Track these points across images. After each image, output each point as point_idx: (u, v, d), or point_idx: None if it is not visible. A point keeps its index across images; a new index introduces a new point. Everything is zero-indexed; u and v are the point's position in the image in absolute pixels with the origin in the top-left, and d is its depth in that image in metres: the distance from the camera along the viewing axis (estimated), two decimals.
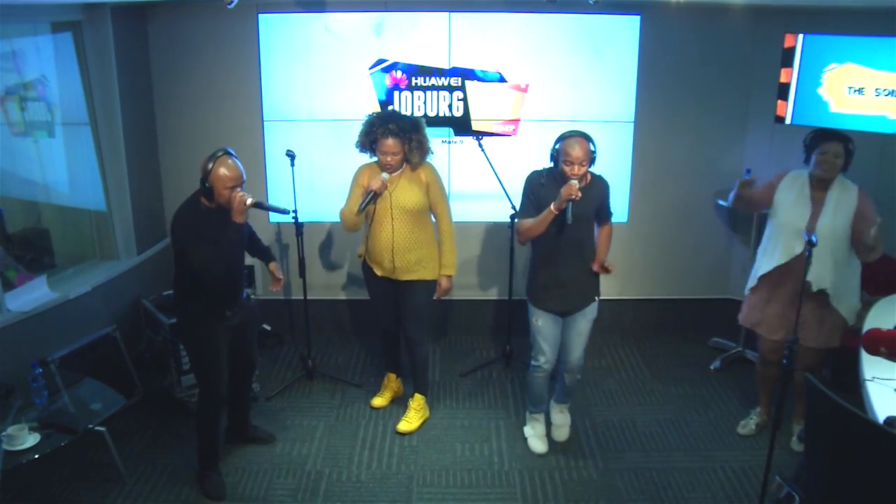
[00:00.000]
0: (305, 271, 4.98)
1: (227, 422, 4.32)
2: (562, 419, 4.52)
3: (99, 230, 5.06)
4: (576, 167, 3.79)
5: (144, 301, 4.91)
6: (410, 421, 4.55)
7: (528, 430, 4.46)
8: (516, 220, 4.13)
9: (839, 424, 2.60)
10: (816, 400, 2.69)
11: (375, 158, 4.28)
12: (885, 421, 2.75)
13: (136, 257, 5.10)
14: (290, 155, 4.77)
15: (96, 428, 3.82)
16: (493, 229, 5.60)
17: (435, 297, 4.53)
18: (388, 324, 4.64)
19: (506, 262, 5.29)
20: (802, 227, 3.92)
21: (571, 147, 3.79)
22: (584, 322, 4.15)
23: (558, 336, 4.18)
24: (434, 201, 4.38)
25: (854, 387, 3.23)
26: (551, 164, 3.98)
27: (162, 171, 5.46)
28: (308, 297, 5.13)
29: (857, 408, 2.55)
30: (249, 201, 3.59)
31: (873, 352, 3.27)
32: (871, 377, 3.12)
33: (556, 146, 3.90)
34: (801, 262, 3.72)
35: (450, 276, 4.51)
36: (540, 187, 3.97)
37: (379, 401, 4.82)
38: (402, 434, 4.48)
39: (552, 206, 3.78)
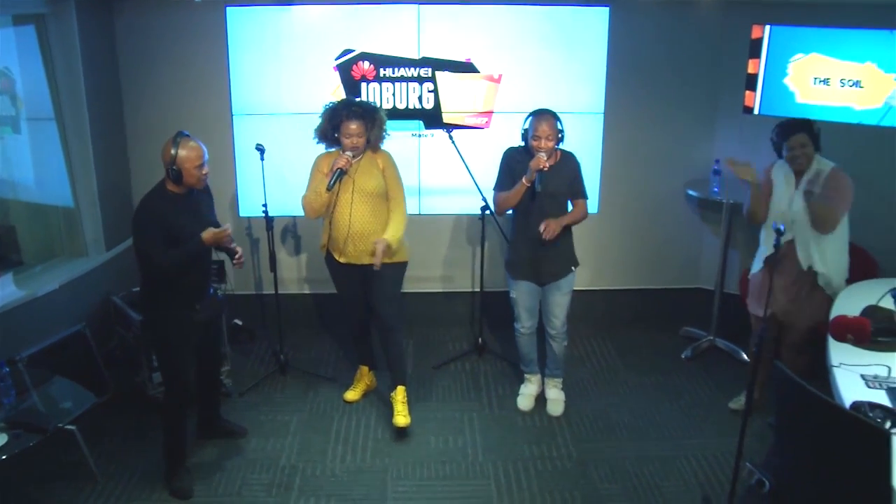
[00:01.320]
0: (276, 266, 4.95)
1: (198, 417, 4.31)
2: (556, 394, 4.71)
3: (67, 227, 4.99)
4: (542, 141, 4.13)
5: (114, 298, 4.86)
6: (405, 414, 4.46)
7: (522, 388, 4.82)
8: (494, 193, 4.40)
9: (808, 410, 2.64)
10: (785, 386, 2.73)
11: (333, 149, 4.36)
12: (852, 406, 2.79)
13: (106, 254, 5.04)
14: (260, 149, 4.73)
15: (67, 427, 3.79)
16: (464, 222, 5.60)
17: (376, 267, 4.28)
18: (358, 314, 4.64)
19: (477, 254, 5.30)
20: (785, 212, 4.07)
21: (539, 123, 4.15)
22: (560, 293, 4.44)
23: (536, 304, 4.53)
24: (389, 184, 4.39)
25: (822, 373, 3.28)
26: (523, 143, 4.27)
27: (131, 166, 5.39)
28: (279, 292, 5.11)
29: (825, 394, 2.59)
30: (227, 231, 3.75)
31: (840, 338, 3.32)
32: (839, 363, 3.16)
33: (526, 123, 4.24)
34: (791, 247, 4.07)
35: (387, 243, 4.26)
36: (515, 162, 4.29)
37: (352, 395, 4.81)
38: (403, 428, 4.42)
39: (524, 179, 4.16)
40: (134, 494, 3.88)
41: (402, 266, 4.51)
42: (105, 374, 4.52)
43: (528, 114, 4.26)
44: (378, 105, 4.41)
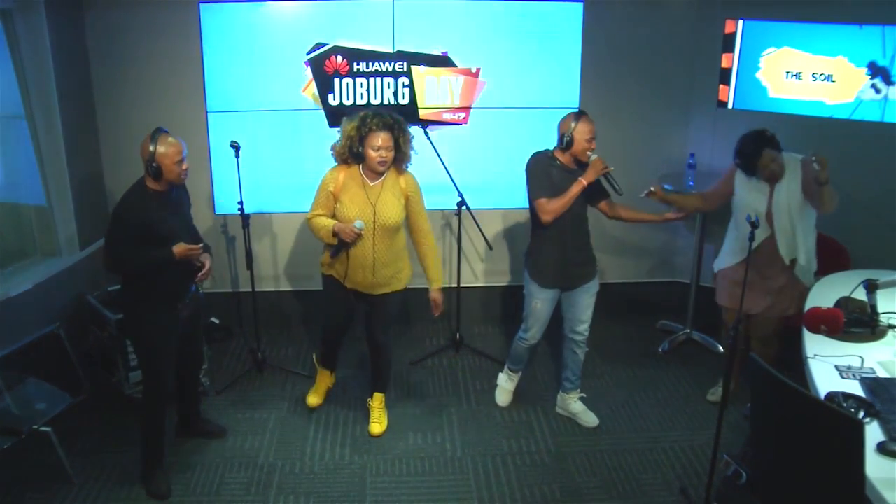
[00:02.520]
0: (253, 263, 4.92)
1: (177, 416, 4.28)
2: (582, 406, 4.58)
3: (39, 226, 4.92)
4: (594, 143, 4.09)
5: (89, 297, 4.81)
6: (381, 421, 4.46)
7: (502, 379, 4.77)
8: (542, 199, 4.08)
9: (783, 401, 2.67)
10: (761, 378, 2.75)
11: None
12: (826, 396, 2.83)
13: (80, 253, 4.98)
14: (235, 146, 4.70)
15: (41, 428, 3.75)
16: (440, 217, 5.60)
17: (436, 315, 4.38)
18: (342, 332, 4.46)
19: (453, 249, 5.30)
20: (763, 212, 4.09)
21: (590, 124, 4.07)
22: (588, 294, 4.35)
23: (549, 317, 4.39)
24: (415, 214, 4.17)
25: (797, 364, 3.32)
26: (563, 144, 4.10)
27: (104, 163, 5.32)
28: (256, 290, 5.08)
29: (799, 385, 2.62)
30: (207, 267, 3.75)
31: (814, 330, 3.35)
32: (813, 354, 3.19)
33: (574, 125, 4.06)
34: (769, 244, 4.13)
35: (440, 289, 4.33)
36: (553, 168, 4.12)
37: (315, 399, 4.67)
38: (378, 436, 4.40)
39: (583, 180, 4.04)
40: (111, 496, 3.85)
41: (404, 292, 4.35)
42: (80, 375, 4.47)
43: (569, 116, 4.10)
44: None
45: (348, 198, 3.99)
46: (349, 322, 4.40)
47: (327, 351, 4.60)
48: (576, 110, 4.15)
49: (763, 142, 4.05)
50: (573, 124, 4.06)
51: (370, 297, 4.22)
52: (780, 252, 4.13)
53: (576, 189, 4.03)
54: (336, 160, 4.08)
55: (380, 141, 3.89)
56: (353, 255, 4.04)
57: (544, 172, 4.11)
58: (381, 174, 4.02)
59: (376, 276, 4.10)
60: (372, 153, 3.91)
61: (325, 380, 4.70)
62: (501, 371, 4.80)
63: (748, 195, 4.18)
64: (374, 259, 4.05)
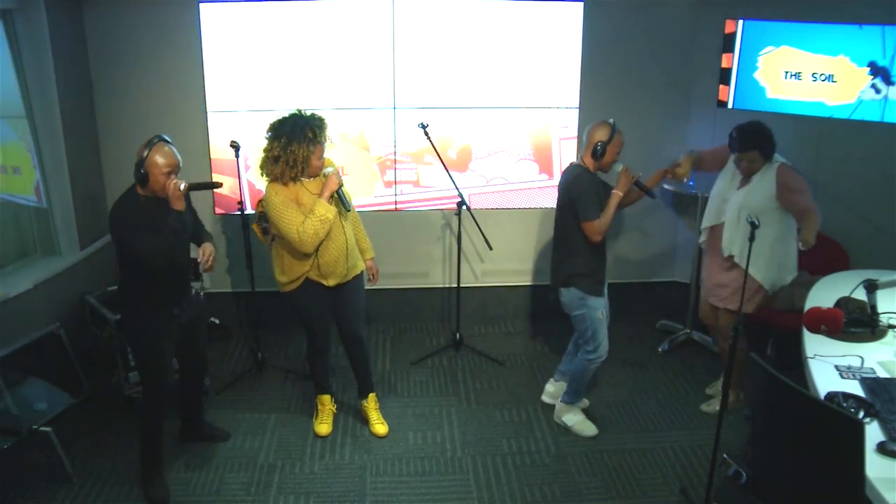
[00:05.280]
0: (252, 263, 4.92)
1: (180, 420, 4.26)
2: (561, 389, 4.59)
3: (39, 225, 4.93)
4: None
5: (89, 297, 4.80)
6: (382, 422, 4.45)
7: (576, 419, 4.46)
8: (597, 221, 4.03)
9: (783, 401, 2.67)
10: (761, 378, 2.75)
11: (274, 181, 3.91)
12: (826, 396, 2.83)
13: (80, 253, 4.98)
14: (235, 146, 4.70)
15: (41, 428, 3.75)
16: (440, 217, 5.60)
17: (373, 285, 4.43)
18: (323, 338, 4.32)
19: (453, 249, 5.30)
20: (728, 198, 4.22)
21: (621, 136, 4.08)
22: (606, 296, 4.36)
23: None
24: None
25: (797, 364, 3.32)
26: (596, 154, 4.05)
27: (103, 163, 5.33)
28: (255, 290, 5.08)
29: (799, 385, 2.62)
30: (183, 186, 3.51)
31: (815, 330, 3.36)
32: (813, 354, 3.19)
33: (609, 136, 4.03)
34: (719, 230, 4.27)
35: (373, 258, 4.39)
36: (595, 184, 4.11)
37: (326, 427, 4.44)
38: (385, 435, 4.39)
39: (618, 192, 4.08)
40: (111, 496, 3.85)
41: (363, 274, 4.34)
42: (80, 375, 4.48)
43: (594, 124, 4.09)
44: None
45: (307, 199, 3.90)
46: (327, 330, 4.31)
47: (321, 372, 4.46)
48: (608, 120, 4.07)
49: (753, 143, 4.07)
50: (608, 135, 4.03)
51: (344, 286, 4.15)
52: (722, 243, 4.25)
53: (615, 202, 4.07)
54: (271, 177, 3.91)
55: (320, 150, 3.88)
56: (331, 246, 3.97)
57: (595, 192, 4.07)
58: None
59: (350, 260, 4.09)
60: (317, 163, 3.88)
61: (326, 406, 4.51)
62: (570, 413, 4.48)
63: (724, 179, 4.30)
64: (347, 241, 4.04)
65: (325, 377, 4.50)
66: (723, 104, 5.34)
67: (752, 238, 3.37)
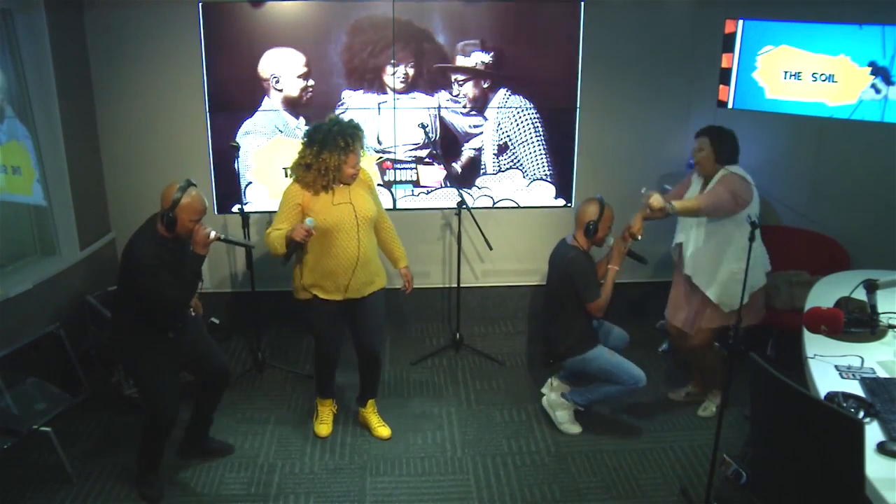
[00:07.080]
0: (253, 263, 4.92)
1: (183, 431, 4.13)
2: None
3: (39, 226, 4.92)
4: None
5: (89, 298, 4.81)
6: (384, 425, 4.44)
7: (567, 415, 4.49)
8: (596, 301, 4.18)
9: (783, 401, 2.67)
10: (761, 378, 2.75)
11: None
12: (826, 396, 2.83)
13: (80, 253, 4.98)
14: (235, 146, 4.70)
15: (41, 429, 3.76)
16: (440, 217, 5.60)
17: (408, 292, 4.39)
18: (335, 343, 4.26)
19: (453, 249, 5.30)
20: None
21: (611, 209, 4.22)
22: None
23: None
24: (378, 204, 4.17)
25: (796, 364, 3.32)
26: (589, 233, 4.19)
27: (103, 163, 5.33)
28: (256, 290, 5.08)
29: (799, 385, 2.62)
30: (213, 235, 3.53)
31: (814, 330, 3.35)
32: (813, 354, 3.20)
33: (599, 214, 4.18)
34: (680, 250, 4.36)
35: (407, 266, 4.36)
36: (592, 265, 4.26)
37: (326, 428, 4.44)
38: (388, 439, 4.37)
39: (615, 267, 4.26)
40: (111, 496, 3.85)
41: (384, 291, 4.26)
42: (80, 375, 4.48)
43: (582, 204, 4.26)
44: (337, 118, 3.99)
45: (321, 205, 3.89)
46: (338, 340, 4.27)
47: (326, 379, 4.42)
48: (596, 196, 4.22)
49: (705, 130, 4.15)
50: (598, 213, 4.16)
51: (360, 302, 4.10)
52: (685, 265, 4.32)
53: (612, 278, 4.22)
54: (299, 181, 3.93)
55: (354, 158, 3.87)
56: (336, 253, 3.93)
57: (593, 272, 4.23)
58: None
59: (365, 273, 4.01)
60: (349, 171, 3.88)
61: (328, 408, 4.50)
62: (564, 410, 4.48)
63: (692, 192, 4.31)
64: (359, 255, 3.95)
65: (329, 384, 4.43)
66: (723, 104, 5.33)
67: (752, 238, 3.37)
